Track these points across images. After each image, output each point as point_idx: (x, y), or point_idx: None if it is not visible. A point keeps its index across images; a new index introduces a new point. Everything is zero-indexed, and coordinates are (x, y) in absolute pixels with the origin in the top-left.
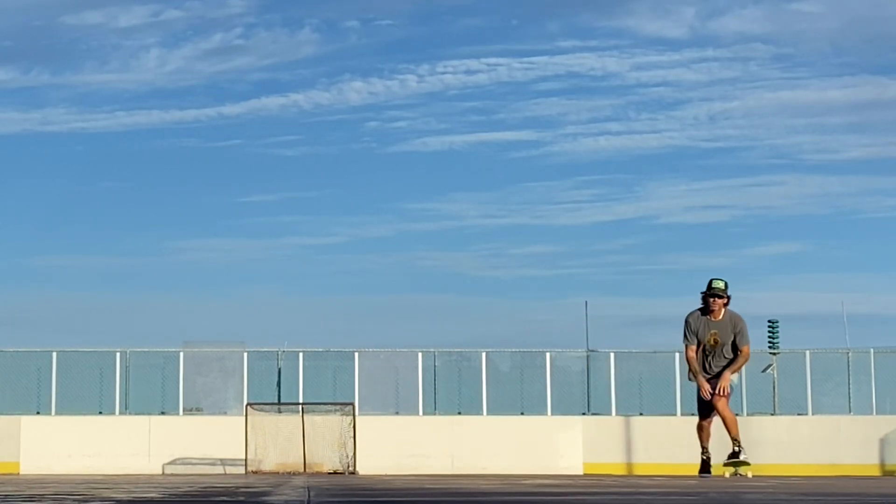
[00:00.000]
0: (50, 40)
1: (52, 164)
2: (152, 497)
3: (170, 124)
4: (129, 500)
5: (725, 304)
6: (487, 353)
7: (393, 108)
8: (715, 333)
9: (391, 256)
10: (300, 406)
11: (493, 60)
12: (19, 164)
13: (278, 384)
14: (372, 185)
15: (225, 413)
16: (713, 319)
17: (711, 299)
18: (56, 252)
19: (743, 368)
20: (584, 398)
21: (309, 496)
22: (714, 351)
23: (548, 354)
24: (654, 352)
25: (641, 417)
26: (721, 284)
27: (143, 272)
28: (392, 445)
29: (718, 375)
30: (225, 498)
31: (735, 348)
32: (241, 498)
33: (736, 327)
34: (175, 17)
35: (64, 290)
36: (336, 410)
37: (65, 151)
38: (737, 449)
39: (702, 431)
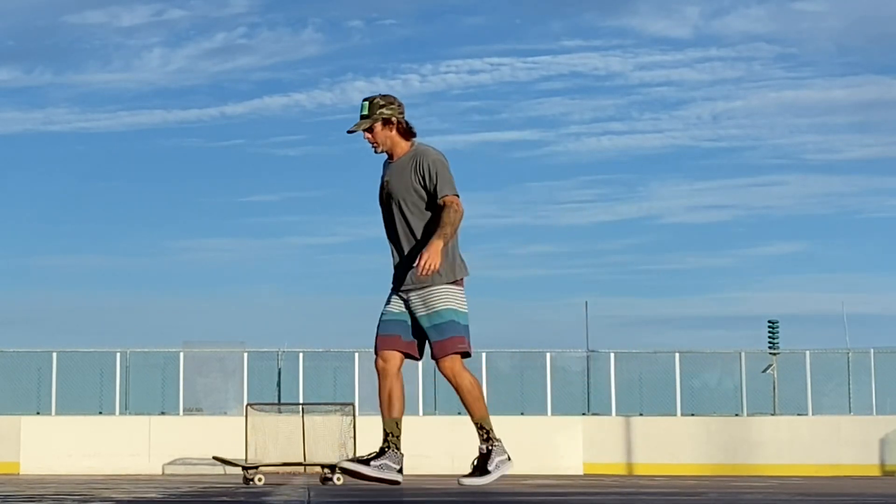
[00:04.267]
0: (52, 40)
1: (53, 163)
2: (152, 497)
3: (172, 124)
4: (130, 501)
5: (396, 131)
6: (487, 353)
7: None
8: (387, 182)
9: None
10: (300, 406)
11: (496, 60)
12: (21, 163)
13: (278, 384)
14: (374, 185)
15: (225, 413)
16: (390, 162)
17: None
18: (56, 252)
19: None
20: (584, 398)
21: (309, 496)
22: (396, 213)
23: (548, 355)
24: (655, 352)
25: (641, 417)
26: (365, 108)
27: (143, 272)
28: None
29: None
30: (225, 498)
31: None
32: (241, 498)
33: (421, 167)
34: (178, 17)
35: (64, 290)
36: (336, 410)
37: (67, 151)
38: (486, 447)
39: (383, 391)
